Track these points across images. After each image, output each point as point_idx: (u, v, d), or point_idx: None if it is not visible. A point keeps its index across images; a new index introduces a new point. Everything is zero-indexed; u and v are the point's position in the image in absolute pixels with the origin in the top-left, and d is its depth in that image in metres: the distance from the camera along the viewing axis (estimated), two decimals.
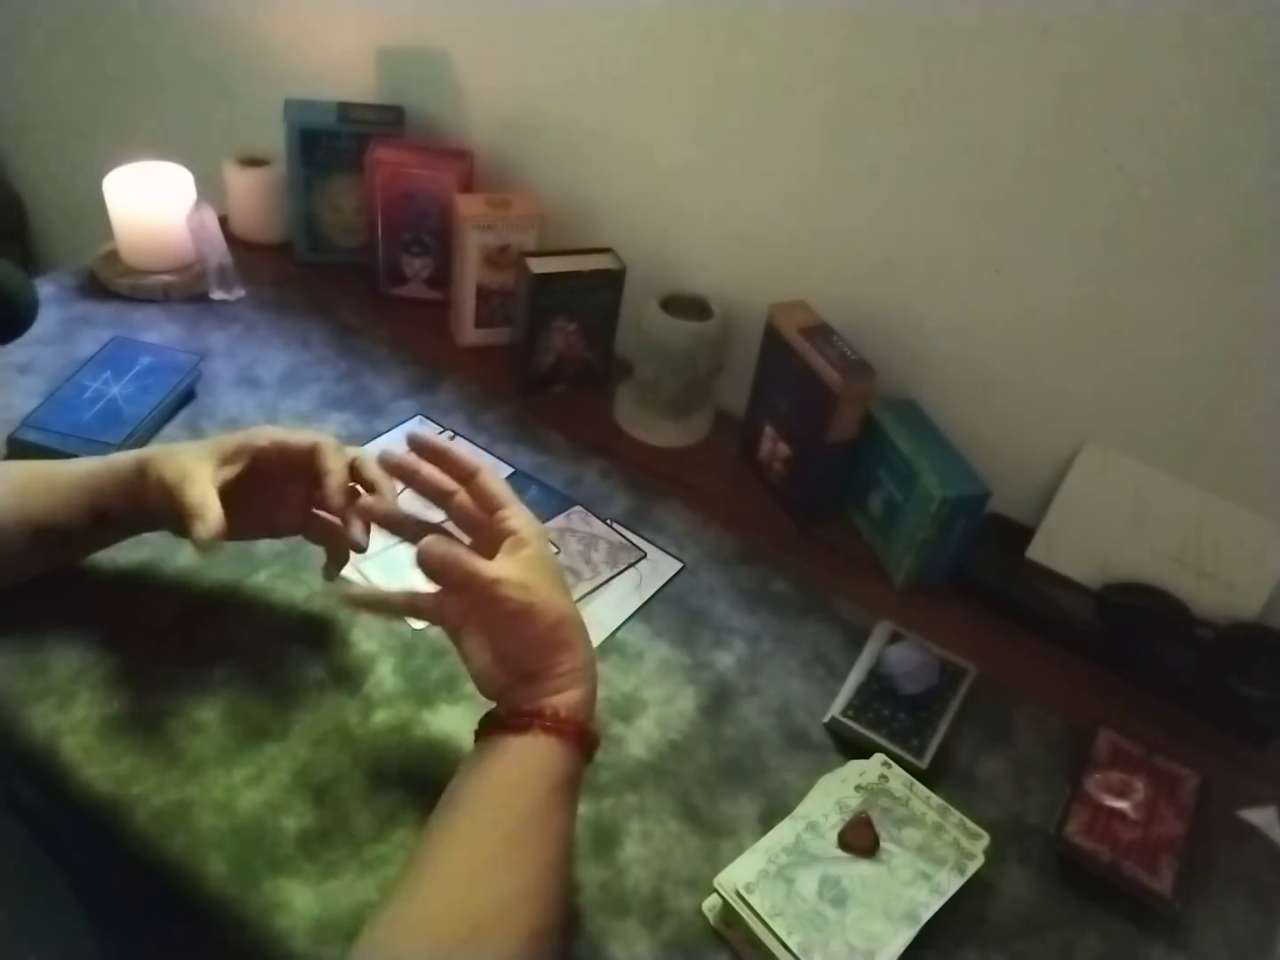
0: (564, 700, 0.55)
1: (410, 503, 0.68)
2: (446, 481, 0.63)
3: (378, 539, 0.76)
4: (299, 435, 0.67)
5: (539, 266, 0.93)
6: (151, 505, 0.64)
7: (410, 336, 1.04)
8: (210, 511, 0.60)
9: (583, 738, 0.55)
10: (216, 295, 1.04)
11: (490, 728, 0.56)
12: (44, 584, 0.70)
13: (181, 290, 1.04)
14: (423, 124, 1.11)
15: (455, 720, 0.67)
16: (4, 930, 0.73)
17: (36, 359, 0.92)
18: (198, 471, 0.62)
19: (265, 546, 0.76)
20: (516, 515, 0.60)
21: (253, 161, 1.12)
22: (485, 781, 0.54)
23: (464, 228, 0.97)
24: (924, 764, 0.69)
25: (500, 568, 0.56)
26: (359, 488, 0.68)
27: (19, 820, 0.69)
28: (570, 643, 0.56)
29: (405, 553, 0.77)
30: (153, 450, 0.66)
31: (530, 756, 0.54)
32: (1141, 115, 0.72)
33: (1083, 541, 0.85)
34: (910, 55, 0.79)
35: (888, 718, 0.71)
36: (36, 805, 0.64)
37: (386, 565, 0.77)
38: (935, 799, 0.65)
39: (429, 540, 0.57)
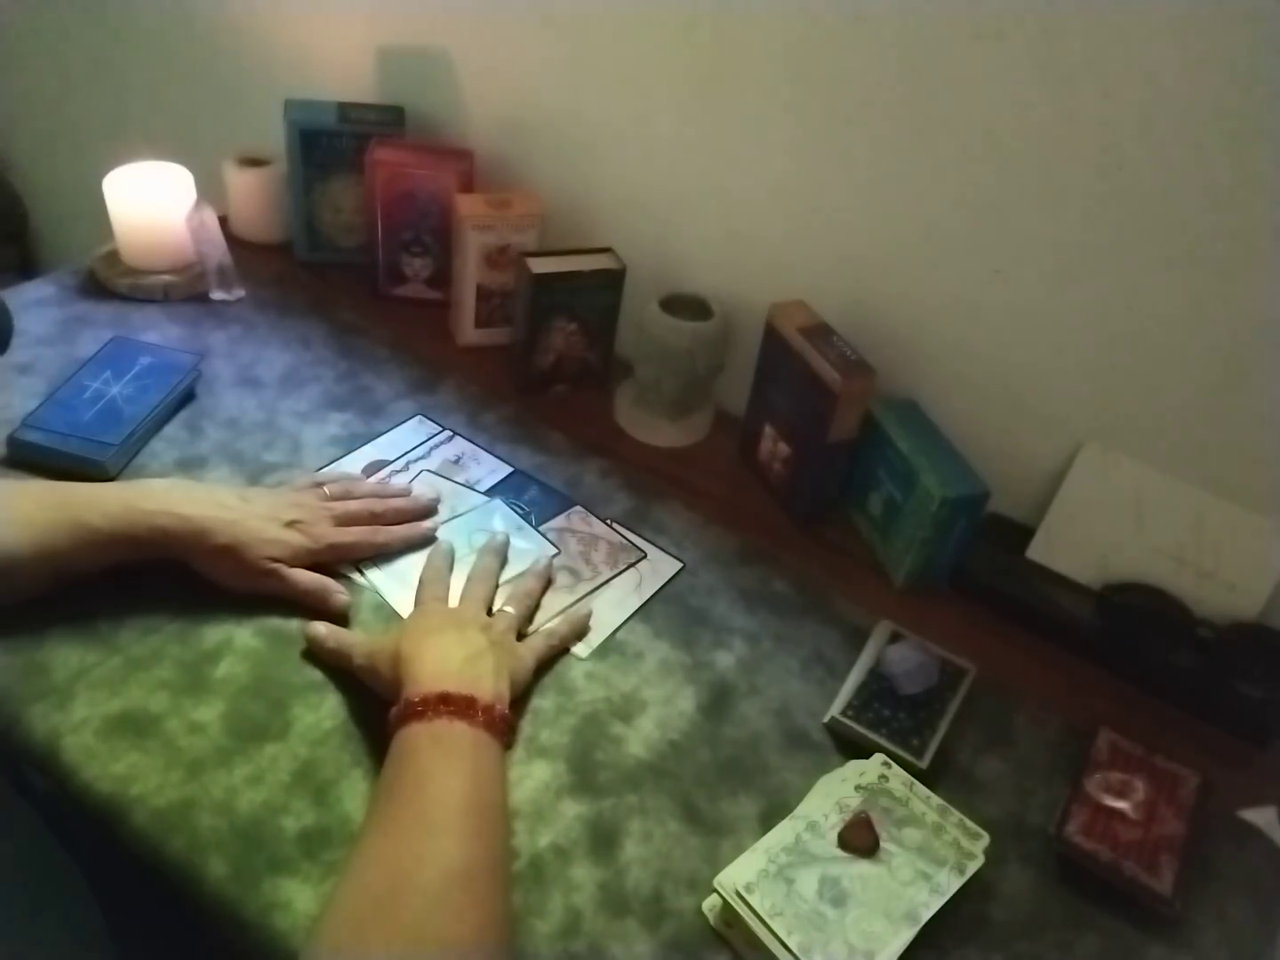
0: (415, 690, 0.61)
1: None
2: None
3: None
4: (342, 640, 0.70)
5: (539, 266, 0.93)
6: (193, 564, 0.71)
7: (410, 336, 1.04)
8: (332, 589, 0.73)
9: (435, 706, 0.60)
10: (216, 295, 1.04)
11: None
12: None
13: (181, 290, 1.04)
14: (423, 124, 1.11)
15: None
16: (17, 914, 0.73)
17: (36, 359, 0.92)
18: (287, 555, 0.72)
19: None
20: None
21: (253, 161, 1.12)
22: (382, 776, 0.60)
23: (464, 228, 0.97)
24: (924, 764, 0.69)
25: (354, 641, 0.69)
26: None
27: (29, 806, 0.69)
28: (408, 678, 0.62)
29: (409, 563, 0.78)
30: (202, 516, 0.70)
31: (404, 739, 0.59)
32: (1141, 115, 0.72)
33: (1083, 541, 0.85)
34: (910, 55, 0.79)
35: (888, 718, 0.71)
36: (48, 794, 0.64)
37: (391, 573, 0.78)
38: (935, 799, 0.65)
39: (313, 624, 0.70)
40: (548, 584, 0.78)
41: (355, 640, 0.69)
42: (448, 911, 0.51)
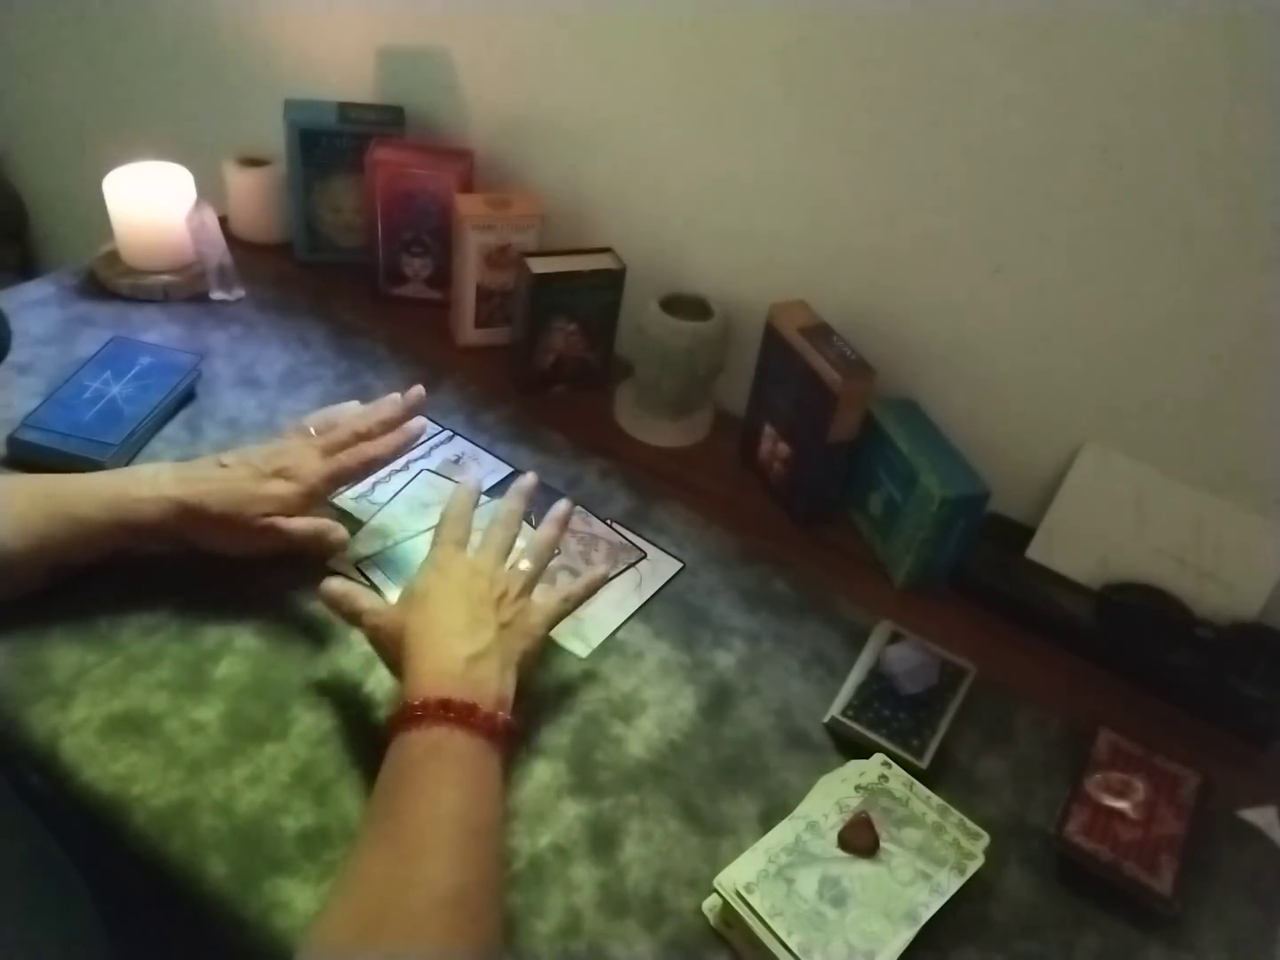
0: (415, 693, 0.59)
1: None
2: None
3: (377, 541, 0.79)
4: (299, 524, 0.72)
5: (539, 266, 0.93)
6: (193, 540, 0.71)
7: (410, 336, 1.04)
8: (327, 527, 0.73)
9: (434, 712, 0.58)
10: (216, 295, 1.04)
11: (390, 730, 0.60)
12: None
13: (181, 290, 1.04)
14: (423, 124, 1.11)
15: None
16: (16, 915, 0.73)
17: (36, 359, 0.92)
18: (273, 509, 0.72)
19: None
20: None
21: (253, 161, 1.12)
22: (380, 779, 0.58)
23: (464, 228, 0.97)
24: (924, 764, 0.69)
25: (363, 609, 0.66)
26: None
27: (29, 808, 0.69)
28: (409, 674, 0.61)
29: (402, 552, 0.78)
30: (192, 494, 0.70)
31: (401, 747, 0.58)
32: (1141, 114, 0.72)
33: (1083, 541, 0.85)
34: (910, 55, 0.79)
35: (888, 718, 0.71)
36: (47, 794, 0.64)
37: (391, 569, 0.78)
38: (935, 799, 0.65)
39: (328, 581, 0.68)
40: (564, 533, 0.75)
41: (365, 608, 0.66)
42: (436, 936, 0.50)
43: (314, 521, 0.73)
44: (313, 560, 0.75)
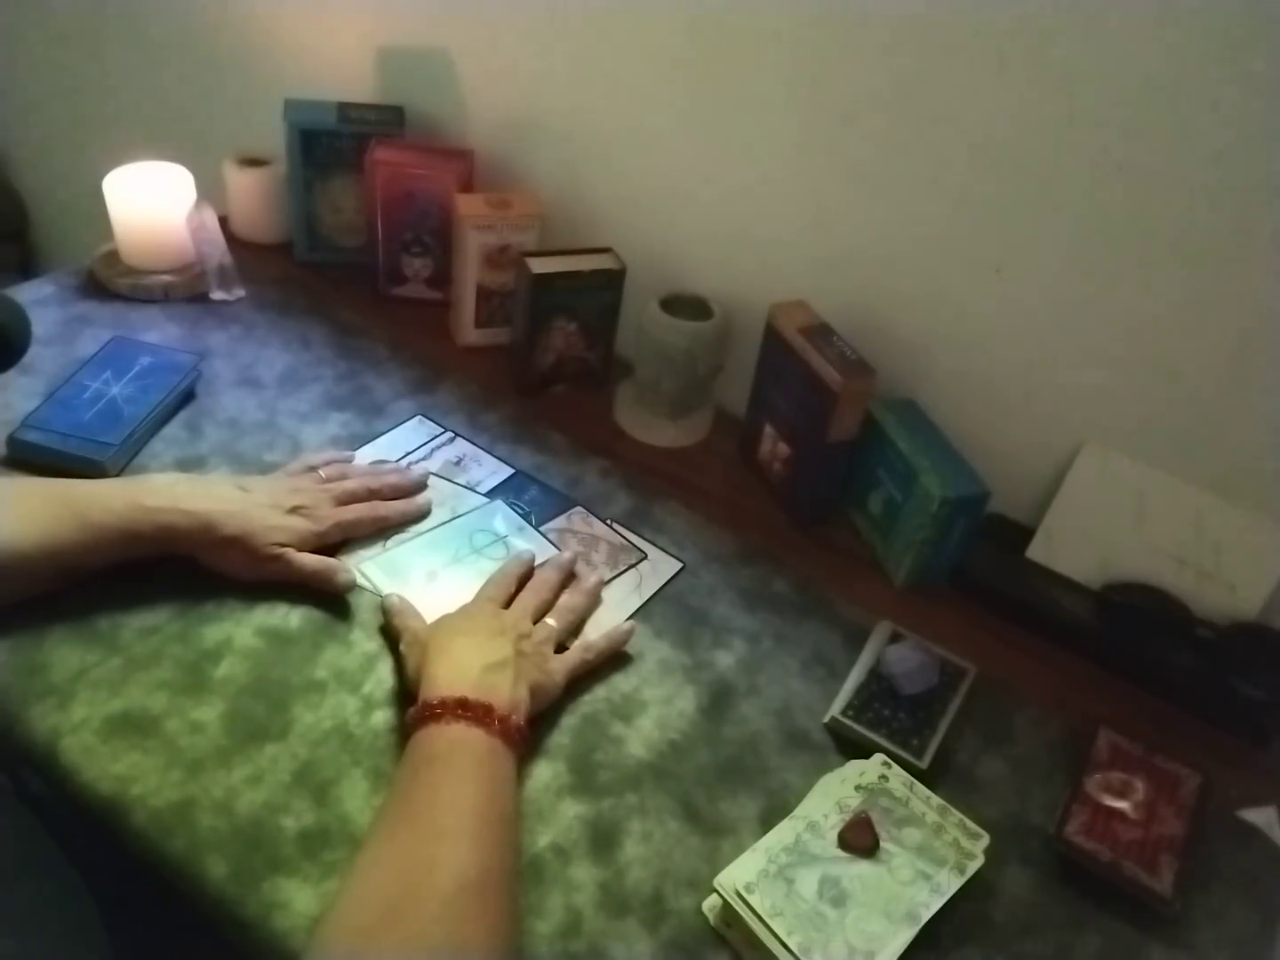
0: (433, 693, 0.62)
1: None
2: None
3: (376, 543, 0.80)
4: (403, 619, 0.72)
5: (539, 266, 0.93)
6: (199, 557, 0.72)
7: (410, 336, 1.04)
8: (337, 568, 0.74)
9: (452, 710, 0.60)
10: (216, 295, 1.04)
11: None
12: None
13: (181, 290, 1.04)
14: (423, 124, 1.11)
15: None
16: (16, 915, 0.73)
17: (36, 359, 0.92)
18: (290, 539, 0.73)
19: None
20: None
21: (253, 161, 1.12)
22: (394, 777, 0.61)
23: (464, 228, 0.97)
24: (924, 764, 0.69)
25: (410, 624, 0.70)
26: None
27: (28, 810, 0.69)
28: (426, 679, 0.64)
29: (403, 554, 0.78)
30: (207, 510, 0.71)
31: (420, 742, 0.60)
32: (1141, 114, 0.72)
33: (1083, 541, 0.85)
34: (910, 55, 0.79)
35: (888, 718, 0.71)
36: (45, 795, 0.64)
37: (386, 566, 0.78)
38: (935, 799, 0.65)
39: (390, 595, 0.74)
40: (598, 603, 0.78)
41: (409, 626, 0.70)
42: (459, 919, 0.51)
43: (325, 560, 0.74)
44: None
